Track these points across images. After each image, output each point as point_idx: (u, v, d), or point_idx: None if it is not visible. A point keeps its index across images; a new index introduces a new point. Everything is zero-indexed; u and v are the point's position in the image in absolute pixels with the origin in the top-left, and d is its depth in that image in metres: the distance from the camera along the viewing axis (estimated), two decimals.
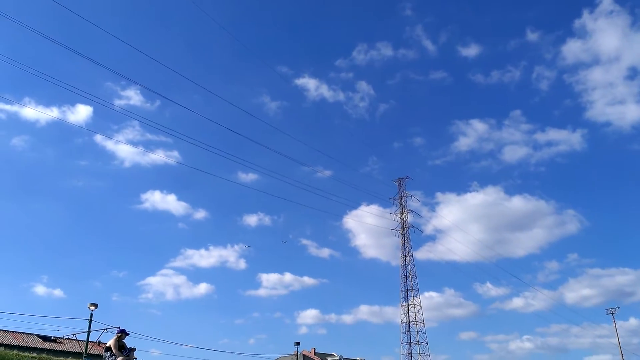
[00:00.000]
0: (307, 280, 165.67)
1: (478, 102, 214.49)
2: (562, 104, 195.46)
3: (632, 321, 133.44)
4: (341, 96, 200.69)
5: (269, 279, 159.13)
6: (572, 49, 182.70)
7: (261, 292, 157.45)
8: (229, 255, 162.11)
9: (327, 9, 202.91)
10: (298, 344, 63.36)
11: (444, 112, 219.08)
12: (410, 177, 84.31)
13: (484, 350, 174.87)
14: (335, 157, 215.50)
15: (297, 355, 67.49)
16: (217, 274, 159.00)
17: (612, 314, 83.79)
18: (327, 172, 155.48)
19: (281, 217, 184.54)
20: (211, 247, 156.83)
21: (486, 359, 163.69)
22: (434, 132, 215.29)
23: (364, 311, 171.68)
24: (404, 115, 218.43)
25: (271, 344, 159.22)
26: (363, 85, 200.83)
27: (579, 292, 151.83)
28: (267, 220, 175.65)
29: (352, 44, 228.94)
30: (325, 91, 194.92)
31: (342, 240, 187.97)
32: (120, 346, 18.46)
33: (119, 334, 18.65)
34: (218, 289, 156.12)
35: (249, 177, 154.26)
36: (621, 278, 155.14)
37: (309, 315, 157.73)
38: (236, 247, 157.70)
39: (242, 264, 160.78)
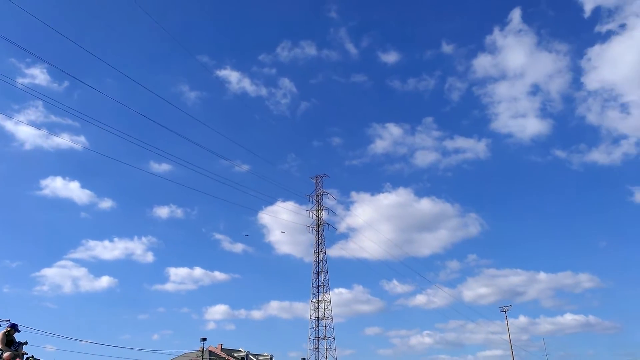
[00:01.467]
0: (218, 275, 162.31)
1: (394, 107, 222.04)
2: (471, 114, 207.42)
3: (522, 319, 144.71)
4: (263, 91, 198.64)
5: (177, 273, 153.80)
6: (482, 63, 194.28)
7: (168, 286, 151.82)
8: (136, 247, 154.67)
9: (253, 2, 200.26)
10: (204, 339, 61.65)
11: (363, 114, 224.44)
12: (328, 175, 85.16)
13: (388, 345, 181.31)
14: (254, 152, 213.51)
15: (202, 351, 65.66)
16: (121, 267, 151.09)
17: (505, 311, 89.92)
18: (245, 167, 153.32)
19: (195, 210, 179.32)
20: (116, 239, 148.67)
21: (389, 354, 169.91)
22: (353, 133, 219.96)
23: (274, 307, 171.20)
24: (325, 115, 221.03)
25: (176, 340, 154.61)
26: (286, 82, 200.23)
27: (476, 290, 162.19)
28: (179, 212, 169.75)
29: (277, 40, 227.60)
30: (247, 85, 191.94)
31: (256, 236, 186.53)
32: (9, 341, 16.86)
33: (9, 329, 17.20)
34: (122, 283, 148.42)
35: (162, 167, 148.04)
36: (514, 278, 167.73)
37: (218, 310, 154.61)
38: (144, 239, 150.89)
39: (150, 257, 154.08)
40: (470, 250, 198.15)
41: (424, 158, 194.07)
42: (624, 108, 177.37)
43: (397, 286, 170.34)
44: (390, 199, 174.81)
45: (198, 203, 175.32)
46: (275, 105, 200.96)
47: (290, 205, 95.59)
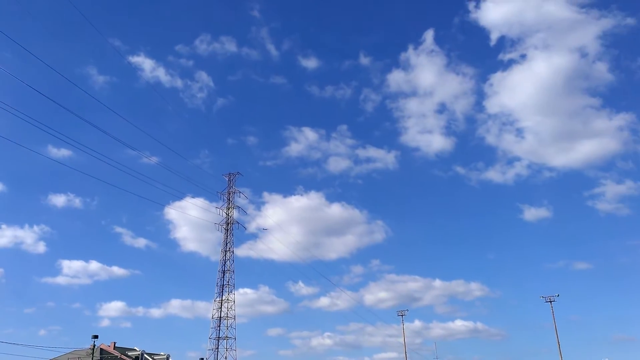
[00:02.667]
0: (117, 270, 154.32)
1: (311, 112, 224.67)
2: (382, 126, 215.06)
3: (417, 323, 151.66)
4: (178, 83, 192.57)
5: (71, 266, 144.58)
6: (395, 78, 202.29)
7: (60, 279, 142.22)
8: (26, 236, 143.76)
9: None
10: (96, 337, 58.28)
11: (280, 116, 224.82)
12: (241, 174, 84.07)
13: (289, 346, 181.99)
14: (165, 144, 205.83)
15: (93, 349, 62.10)
16: (8, 256, 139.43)
17: (402, 315, 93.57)
18: (154, 159, 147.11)
19: (95, 200, 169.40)
20: (4, 226, 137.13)
21: (289, 355, 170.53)
22: (268, 134, 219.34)
23: (175, 305, 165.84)
24: (241, 113, 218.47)
25: (65, 337, 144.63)
26: (203, 76, 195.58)
27: (377, 294, 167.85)
28: (77, 202, 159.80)
29: (196, 32, 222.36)
30: (161, 74, 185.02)
31: (161, 231, 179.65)
32: None
33: None
34: (8, 273, 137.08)
35: (61, 152, 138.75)
36: (412, 284, 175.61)
37: (114, 307, 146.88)
38: (36, 228, 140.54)
39: (41, 248, 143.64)
40: (374, 256, 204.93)
41: (337, 164, 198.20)
42: (519, 132, 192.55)
43: (302, 288, 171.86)
44: (302, 202, 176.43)
45: (99, 193, 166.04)
46: (190, 99, 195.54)
47: (199, 201, 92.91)
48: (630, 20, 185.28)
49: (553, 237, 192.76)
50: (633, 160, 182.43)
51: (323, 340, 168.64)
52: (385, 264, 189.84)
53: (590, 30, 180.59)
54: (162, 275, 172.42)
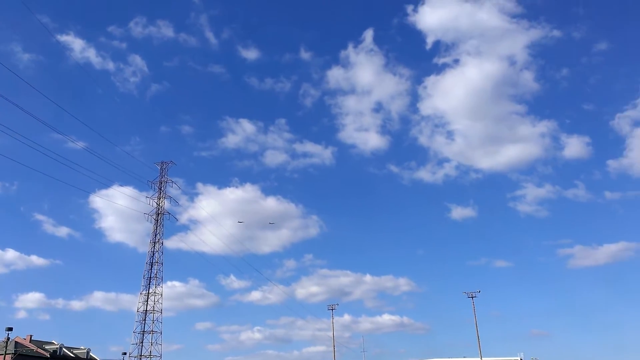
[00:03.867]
0: (36, 260, 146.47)
1: (250, 103, 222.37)
2: (320, 122, 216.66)
3: (346, 317, 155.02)
4: (110, 65, 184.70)
5: None
6: (335, 75, 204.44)
7: None
8: None
9: None
10: (10, 329, 55.13)
11: (217, 106, 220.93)
12: (174, 163, 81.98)
13: (217, 340, 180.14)
14: (94, 128, 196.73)
15: (7, 342, 58.82)
16: None
17: (332, 310, 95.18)
18: (81, 144, 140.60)
19: (14, 185, 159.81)
20: None
21: (217, 349, 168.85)
22: (204, 124, 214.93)
23: (99, 298, 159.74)
24: (177, 101, 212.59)
25: None
26: (137, 60, 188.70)
27: (309, 289, 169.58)
28: None
29: (130, 14, 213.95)
30: (92, 56, 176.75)
31: (85, 220, 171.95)
32: None
33: None
34: None
35: None
36: (344, 279, 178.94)
37: (31, 298, 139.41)
38: None
39: None
40: (308, 251, 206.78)
41: (274, 158, 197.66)
42: (450, 135, 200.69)
43: (234, 282, 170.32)
44: (237, 194, 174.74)
45: (20, 178, 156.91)
46: (123, 83, 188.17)
47: (128, 190, 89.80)
48: (556, 33, 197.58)
49: (477, 235, 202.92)
50: (552, 166, 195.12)
51: (253, 335, 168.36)
52: (318, 259, 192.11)
53: (520, 40, 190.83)
54: (84, 266, 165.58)
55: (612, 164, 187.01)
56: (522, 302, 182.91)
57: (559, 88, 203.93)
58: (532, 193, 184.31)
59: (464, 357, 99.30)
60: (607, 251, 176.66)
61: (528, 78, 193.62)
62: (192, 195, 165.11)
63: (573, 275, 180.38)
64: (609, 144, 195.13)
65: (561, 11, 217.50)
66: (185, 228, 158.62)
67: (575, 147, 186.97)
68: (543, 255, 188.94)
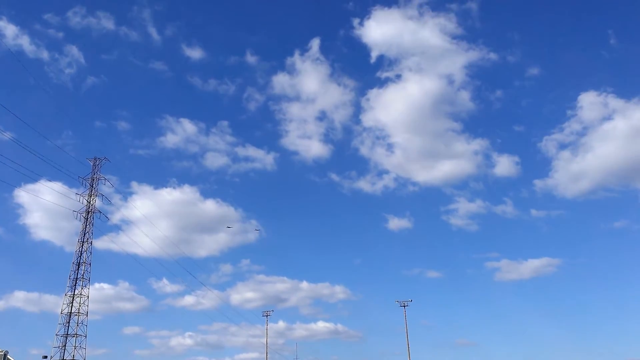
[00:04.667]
0: None
1: (192, 104, 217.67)
2: (264, 127, 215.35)
3: (281, 324, 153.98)
4: (45, 55, 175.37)
5: None
6: (280, 81, 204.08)
7: None
8: None
9: None
10: None
11: (157, 104, 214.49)
12: (108, 160, 78.62)
13: (146, 345, 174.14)
14: (23, 119, 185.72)
15: None
16: None
17: (267, 316, 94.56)
18: (8, 134, 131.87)
19: None
20: None
21: (146, 354, 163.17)
22: (143, 122, 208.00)
23: (20, 297, 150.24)
24: (114, 96, 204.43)
25: None
26: (74, 51, 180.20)
27: (244, 294, 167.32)
28: None
29: (69, 3, 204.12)
30: (25, 43, 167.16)
31: (8, 216, 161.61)
32: None
33: None
34: None
35: None
36: (280, 285, 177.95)
37: None
38: None
39: None
40: (245, 256, 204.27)
41: (215, 160, 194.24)
42: (390, 147, 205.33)
43: (166, 285, 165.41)
44: (174, 195, 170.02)
45: None
46: (57, 74, 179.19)
47: (57, 186, 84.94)
48: (493, 55, 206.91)
49: (411, 246, 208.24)
50: (483, 182, 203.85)
51: (183, 340, 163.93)
52: (255, 264, 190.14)
53: (458, 60, 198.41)
54: (5, 263, 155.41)
55: (538, 183, 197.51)
56: (451, 312, 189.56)
57: (493, 109, 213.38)
58: (464, 207, 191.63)
59: None
60: (531, 266, 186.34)
61: (465, 97, 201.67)
62: (126, 195, 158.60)
63: (499, 288, 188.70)
64: (536, 165, 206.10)
65: (498, 35, 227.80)
66: (116, 228, 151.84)
67: (505, 165, 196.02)
68: (472, 267, 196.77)
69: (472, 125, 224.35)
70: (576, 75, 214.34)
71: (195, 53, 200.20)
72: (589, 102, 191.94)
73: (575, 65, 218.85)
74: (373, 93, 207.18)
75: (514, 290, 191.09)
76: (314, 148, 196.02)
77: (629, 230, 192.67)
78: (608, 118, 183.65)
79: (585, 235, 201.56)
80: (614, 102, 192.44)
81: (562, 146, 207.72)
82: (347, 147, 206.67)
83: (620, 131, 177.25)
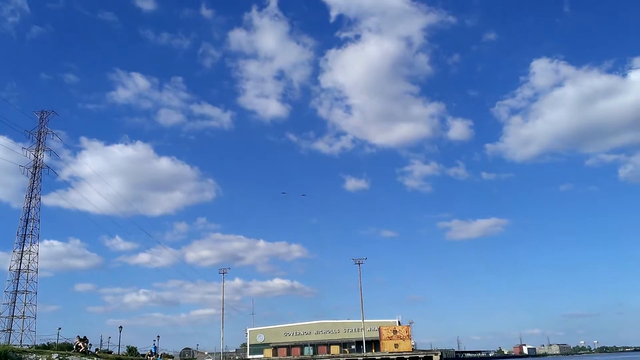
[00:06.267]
0: None
1: (144, 57, 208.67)
2: (220, 84, 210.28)
3: (237, 281, 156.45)
4: None
5: None
6: (237, 37, 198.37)
7: None
8: None
9: None
10: None
11: (107, 57, 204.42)
12: (56, 113, 75.39)
13: (99, 302, 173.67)
14: None
15: None
16: None
17: (223, 273, 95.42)
18: None
19: None
20: None
21: (99, 311, 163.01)
22: (91, 75, 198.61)
23: None
24: (60, 47, 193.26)
25: None
26: None
27: (200, 252, 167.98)
28: None
29: None
30: None
31: None
32: None
33: None
34: None
35: None
36: (237, 244, 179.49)
37: None
38: None
39: None
40: (201, 214, 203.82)
41: (169, 117, 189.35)
42: (348, 109, 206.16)
43: (119, 243, 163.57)
44: (127, 152, 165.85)
45: None
46: (0, 23, 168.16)
47: (2, 139, 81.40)
48: (452, 19, 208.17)
49: (367, 206, 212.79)
50: (438, 145, 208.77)
51: (138, 297, 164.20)
52: (212, 223, 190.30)
53: (417, 22, 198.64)
54: None
55: (489, 147, 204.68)
56: (404, 270, 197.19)
57: (450, 73, 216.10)
58: (419, 170, 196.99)
59: (348, 319, 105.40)
60: (480, 225, 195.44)
61: (423, 60, 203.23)
62: (75, 150, 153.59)
63: (450, 247, 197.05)
64: (488, 129, 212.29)
65: None
66: (66, 185, 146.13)
67: (459, 129, 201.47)
68: (425, 227, 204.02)
69: (429, 89, 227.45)
70: (530, 42, 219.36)
71: (146, 4, 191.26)
72: (541, 69, 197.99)
73: (529, 32, 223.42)
74: (332, 53, 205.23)
75: (464, 248, 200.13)
76: (272, 108, 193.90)
77: (574, 193, 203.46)
78: (559, 85, 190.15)
79: (532, 198, 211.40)
80: (565, 69, 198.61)
81: (514, 111, 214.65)
82: (305, 108, 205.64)
83: (569, 98, 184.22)
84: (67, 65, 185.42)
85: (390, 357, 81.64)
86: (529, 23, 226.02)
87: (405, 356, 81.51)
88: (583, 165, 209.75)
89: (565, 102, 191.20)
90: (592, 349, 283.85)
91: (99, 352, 54.01)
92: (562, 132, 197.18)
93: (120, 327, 66.54)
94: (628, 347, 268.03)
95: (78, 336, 48.15)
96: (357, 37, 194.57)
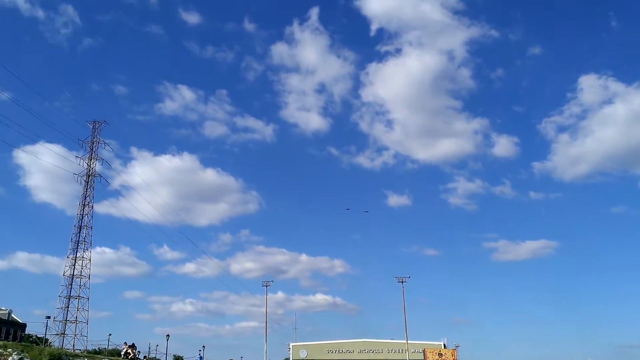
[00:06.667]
0: None
1: (190, 70, 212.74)
2: (263, 97, 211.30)
3: (280, 294, 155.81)
4: (40, 13, 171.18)
5: None
6: (279, 51, 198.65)
7: None
8: None
9: None
10: None
11: (154, 69, 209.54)
12: (108, 123, 77.68)
13: (147, 310, 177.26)
14: (22, 78, 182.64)
15: None
16: None
17: (266, 286, 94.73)
18: (6, 94, 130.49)
19: None
20: None
21: (147, 319, 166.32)
22: (140, 86, 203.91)
23: (22, 258, 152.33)
24: (110, 59, 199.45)
25: None
26: (69, 11, 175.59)
27: (244, 264, 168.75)
28: None
29: None
30: (20, 1, 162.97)
31: (9, 177, 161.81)
32: None
33: None
34: None
35: None
36: (280, 257, 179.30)
37: None
38: None
39: None
40: (245, 226, 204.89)
41: (214, 129, 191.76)
42: (389, 123, 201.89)
43: (167, 252, 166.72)
44: (174, 163, 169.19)
45: None
46: (52, 33, 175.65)
47: (57, 148, 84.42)
48: (494, 33, 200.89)
49: (410, 223, 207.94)
50: (482, 162, 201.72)
51: (184, 306, 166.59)
52: (255, 235, 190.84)
53: (460, 36, 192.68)
54: (7, 224, 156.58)
55: (536, 165, 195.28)
56: (448, 290, 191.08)
57: (493, 87, 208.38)
58: (463, 187, 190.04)
59: (392, 338, 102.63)
60: (529, 247, 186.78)
61: (465, 75, 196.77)
62: (126, 160, 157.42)
63: (496, 268, 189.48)
64: (535, 147, 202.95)
65: (500, 12, 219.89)
66: (117, 193, 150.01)
67: (504, 146, 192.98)
68: (469, 247, 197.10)
69: (472, 104, 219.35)
70: (576, 57, 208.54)
71: (192, 18, 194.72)
72: (589, 85, 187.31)
73: (575, 47, 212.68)
74: (372, 67, 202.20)
75: (511, 270, 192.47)
76: (313, 121, 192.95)
77: (627, 216, 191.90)
78: (608, 102, 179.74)
79: (582, 219, 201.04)
80: (615, 86, 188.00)
81: (562, 129, 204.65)
82: (346, 122, 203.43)
83: (620, 116, 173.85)
84: (116, 76, 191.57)
85: None
86: (575, 38, 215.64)
87: None
88: (636, 187, 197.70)
89: (615, 120, 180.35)
90: None
91: None
92: (612, 151, 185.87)
93: (168, 335, 67.43)
94: None
95: (125, 342, 48.71)
96: (398, 51, 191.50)
